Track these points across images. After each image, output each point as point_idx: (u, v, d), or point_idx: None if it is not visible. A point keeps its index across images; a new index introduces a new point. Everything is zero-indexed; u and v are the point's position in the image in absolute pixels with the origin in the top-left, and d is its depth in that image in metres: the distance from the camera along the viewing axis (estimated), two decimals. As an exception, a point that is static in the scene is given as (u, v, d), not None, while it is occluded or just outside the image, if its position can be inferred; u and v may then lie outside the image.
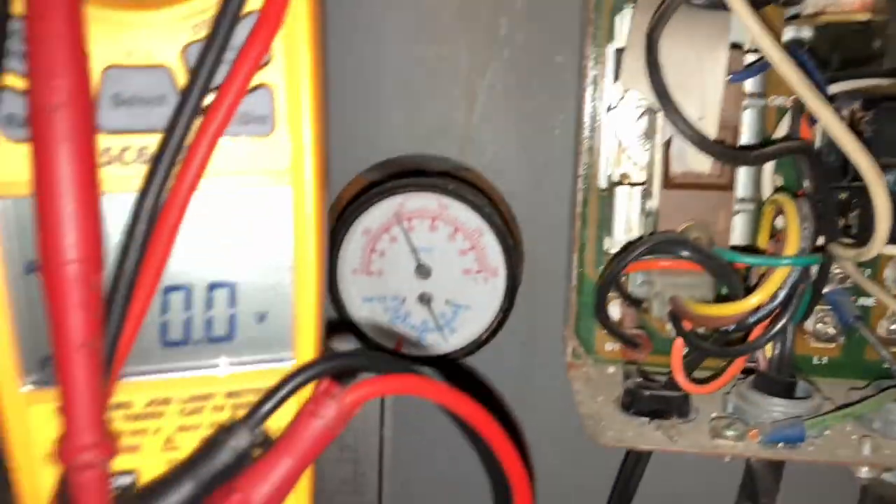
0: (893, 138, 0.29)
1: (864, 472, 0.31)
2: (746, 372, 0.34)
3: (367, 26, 0.43)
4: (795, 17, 0.32)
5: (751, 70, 0.30)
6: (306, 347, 0.23)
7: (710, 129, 0.28)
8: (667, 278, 0.32)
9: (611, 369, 0.37)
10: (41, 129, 0.18)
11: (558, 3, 0.40)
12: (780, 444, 0.31)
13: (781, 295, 0.29)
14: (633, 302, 0.35)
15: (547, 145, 0.41)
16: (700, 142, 0.26)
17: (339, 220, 0.43)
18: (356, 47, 0.43)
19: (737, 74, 0.29)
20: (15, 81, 0.20)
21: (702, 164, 0.29)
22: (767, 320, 0.30)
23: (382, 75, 0.43)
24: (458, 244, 0.43)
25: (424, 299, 0.44)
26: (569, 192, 0.40)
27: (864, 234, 0.29)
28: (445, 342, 0.44)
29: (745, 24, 0.27)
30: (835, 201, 0.30)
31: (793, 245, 0.29)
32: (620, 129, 0.33)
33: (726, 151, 0.28)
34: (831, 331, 0.35)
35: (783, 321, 0.30)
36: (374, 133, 0.44)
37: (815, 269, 0.31)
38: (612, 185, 0.34)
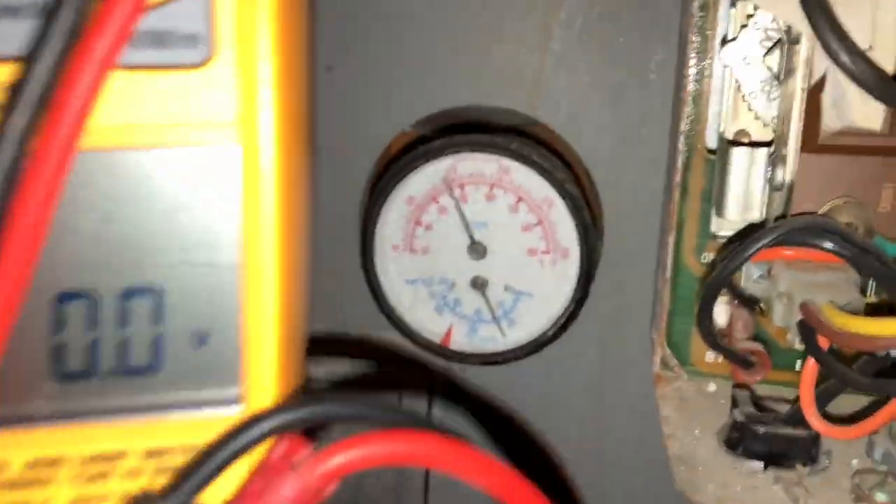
0: None
1: None
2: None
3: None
4: None
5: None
6: (262, 385, 0.16)
7: (885, 65, 0.19)
8: (797, 275, 0.24)
9: (712, 387, 0.29)
10: None
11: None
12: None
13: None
14: (745, 302, 0.27)
15: (639, 94, 0.35)
16: (870, 81, 0.17)
17: (377, 187, 0.39)
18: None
19: None
20: None
21: (869, 117, 0.20)
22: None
23: (434, 7, 0.37)
24: (522, 217, 0.37)
25: (478, 284, 0.38)
26: (666, 154, 0.33)
27: None
28: (503, 337, 0.39)
29: None
30: None
31: None
32: (741, 70, 0.24)
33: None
34: None
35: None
36: (424, 79, 0.38)
37: None
38: (727, 144, 0.25)
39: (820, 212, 0.23)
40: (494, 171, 0.36)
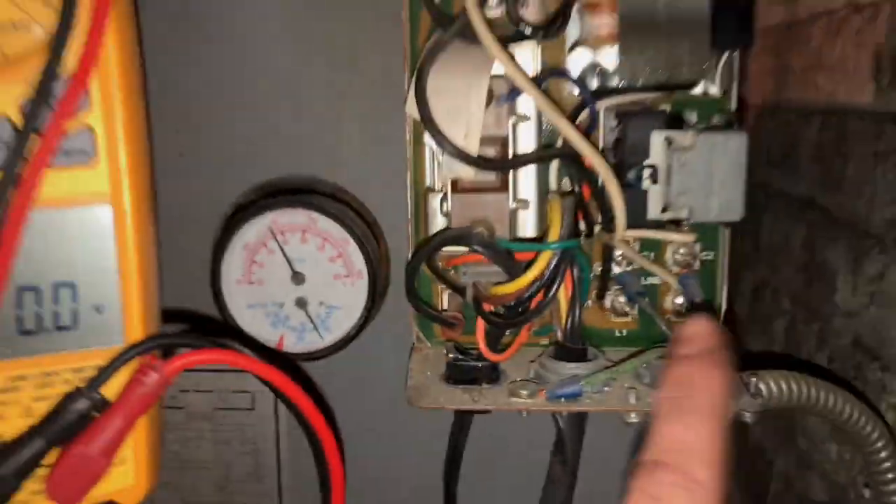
0: (635, 140, 0.37)
1: (632, 417, 0.38)
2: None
3: (251, 68, 0.49)
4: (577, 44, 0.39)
5: (512, 94, 0.37)
6: (135, 332, 0.30)
7: (473, 145, 0.35)
8: (473, 268, 0.39)
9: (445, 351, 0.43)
10: None
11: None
12: (563, 399, 0.37)
13: (548, 273, 0.36)
14: (456, 290, 0.41)
15: (396, 161, 0.46)
16: (458, 155, 0.33)
17: (221, 237, 0.49)
18: (237, 90, 0.50)
19: (502, 98, 0.37)
20: None
21: (466, 171, 0.36)
22: (540, 294, 0.37)
23: (260, 109, 0.51)
24: (328, 253, 0.50)
25: (301, 303, 0.50)
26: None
27: (611, 223, 0.36)
28: (321, 340, 0.51)
29: (498, 59, 0.34)
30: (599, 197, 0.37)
31: (554, 233, 0.36)
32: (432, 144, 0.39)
33: (481, 160, 0.35)
34: (625, 307, 0.42)
35: (552, 293, 0.36)
36: (255, 158, 0.51)
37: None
38: (427, 191, 0.40)
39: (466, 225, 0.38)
40: (305, 220, 0.49)
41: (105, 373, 0.28)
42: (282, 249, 0.50)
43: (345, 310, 0.50)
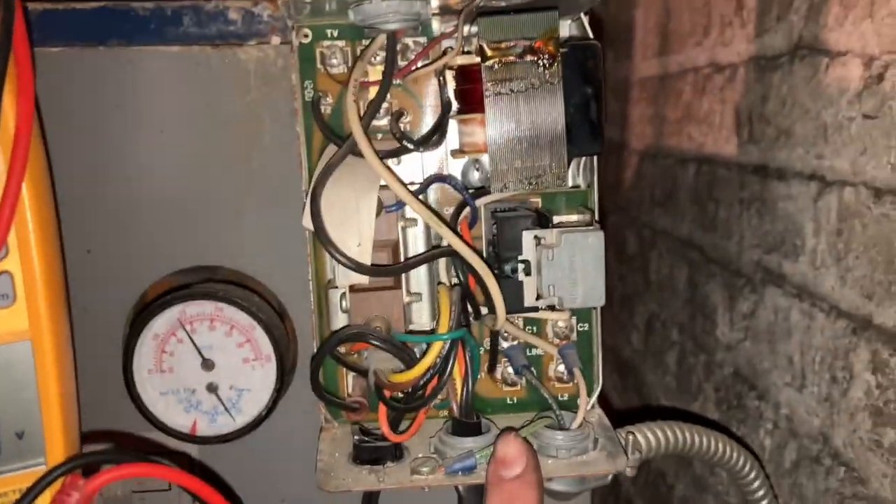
0: (510, 237, 0.41)
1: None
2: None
3: (153, 169, 0.52)
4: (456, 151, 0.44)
5: (399, 203, 0.41)
6: (56, 454, 0.32)
7: (366, 253, 0.39)
8: (374, 353, 0.42)
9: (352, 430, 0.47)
10: None
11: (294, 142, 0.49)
12: (460, 473, 0.41)
13: (440, 361, 0.40)
14: (360, 372, 0.44)
15: (298, 251, 0.49)
16: (352, 266, 0.37)
17: (132, 330, 0.51)
18: (144, 187, 0.53)
19: (390, 207, 0.41)
20: None
21: (360, 279, 0.40)
22: (434, 380, 0.41)
23: (169, 204, 0.54)
24: (235, 338, 0.53)
25: (212, 388, 0.53)
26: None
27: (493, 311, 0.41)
28: (234, 422, 0.54)
29: (382, 176, 0.38)
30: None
31: (444, 324, 0.40)
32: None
33: (375, 269, 0.39)
34: (514, 377, 0.47)
35: (444, 378, 0.41)
36: (161, 251, 0.54)
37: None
38: (328, 285, 0.44)
39: (365, 322, 0.42)
40: (212, 310, 0.52)
41: (28, 495, 0.31)
42: (191, 338, 0.52)
43: (254, 392, 0.53)
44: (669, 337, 0.75)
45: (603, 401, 0.48)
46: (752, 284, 0.57)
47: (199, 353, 0.53)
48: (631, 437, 0.46)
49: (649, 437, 0.47)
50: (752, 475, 0.50)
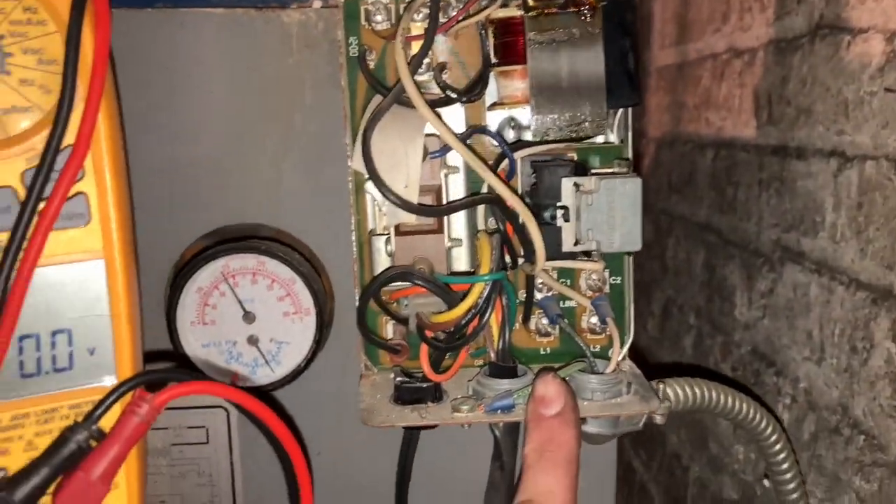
0: (548, 185, 0.43)
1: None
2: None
3: (196, 129, 0.54)
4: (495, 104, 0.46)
5: (442, 150, 0.43)
6: (125, 370, 0.34)
7: (413, 194, 0.40)
8: (414, 300, 0.44)
9: (392, 375, 0.48)
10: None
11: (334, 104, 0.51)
12: (499, 411, 0.43)
13: (481, 301, 0.42)
14: (400, 321, 0.46)
15: (337, 208, 0.51)
16: (400, 203, 0.39)
17: (175, 282, 0.53)
18: (187, 148, 0.55)
19: (434, 153, 0.42)
20: None
21: (407, 217, 0.41)
22: (475, 320, 0.42)
23: (211, 164, 0.56)
24: (276, 292, 0.55)
25: (252, 340, 0.55)
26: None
27: (532, 256, 0.42)
28: (273, 373, 0.56)
29: (429, 121, 0.40)
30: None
31: (484, 266, 0.42)
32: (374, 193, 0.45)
33: (421, 208, 0.41)
34: (548, 328, 0.48)
35: (485, 319, 0.42)
36: (204, 209, 0.56)
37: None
38: (370, 234, 0.46)
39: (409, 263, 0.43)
40: (254, 264, 0.54)
41: (101, 406, 0.32)
42: (233, 292, 0.54)
43: (294, 344, 0.55)
44: (686, 321, 0.76)
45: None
46: (771, 263, 0.58)
47: (241, 305, 0.54)
48: (661, 385, 0.48)
49: (678, 390, 0.49)
50: (774, 437, 0.51)
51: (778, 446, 0.51)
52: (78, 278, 0.33)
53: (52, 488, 0.31)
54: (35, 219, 0.31)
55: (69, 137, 0.31)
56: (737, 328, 0.63)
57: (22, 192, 0.31)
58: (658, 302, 0.87)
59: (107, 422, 0.32)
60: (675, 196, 0.81)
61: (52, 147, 0.31)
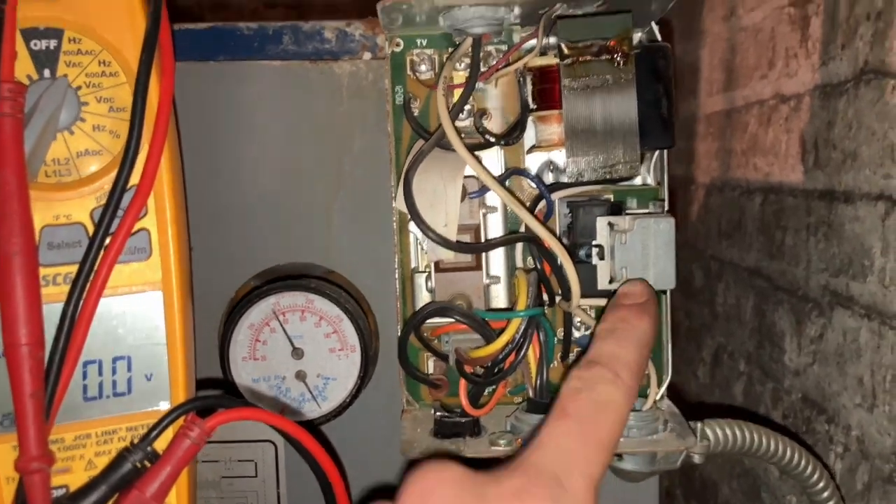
0: (584, 224, 0.44)
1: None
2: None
3: (253, 173, 0.57)
4: (533, 147, 0.48)
5: (481, 191, 0.45)
6: (178, 395, 0.36)
7: (451, 232, 0.42)
8: (454, 336, 0.46)
9: (432, 410, 0.50)
10: (4, 267, 0.31)
11: (381, 149, 0.54)
12: (535, 445, 0.44)
13: (518, 336, 0.43)
14: (440, 357, 0.48)
15: (383, 247, 0.53)
16: (440, 241, 0.41)
17: (229, 319, 0.55)
18: (244, 190, 0.57)
19: (473, 193, 0.44)
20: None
21: (446, 254, 0.43)
22: (512, 355, 0.44)
23: (265, 206, 0.58)
24: (324, 329, 0.56)
25: (300, 376, 0.57)
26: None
27: (568, 293, 0.43)
28: (319, 408, 0.57)
29: (469, 163, 0.42)
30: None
31: (521, 302, 0.43)
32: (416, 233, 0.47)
33: (459, 245, 0.43)
34: (586, 366, 0.49)
35: (522, 353, 0.43)
36: (257, 249, 0.59)
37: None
38: (412, 272, 0.47)
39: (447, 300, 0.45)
40: (303, 302, 0.56)
41: (156, 429, 0.34)
42: (283, 328, 0.56)
43: (340, 380, 0.56)
44: (737, 367, 0.76)
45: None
46: (820, 308, 0.57)
47: (290, 342, 0.56)
48: (700, 425, 0.48)
49: (717, 430, 0.49)
50: (822, 484, 0.51)
51: (826, 494, 0.51)
52: (138, 308, 0.35)
53: (109, 505, 0.34)
54: (102, 253, 0.34)
55: (134, 178, 0.34)
56: (787, 375, 0.62)
57: (91, 228, 0.34)
58: (708, 348, 0.86)
59: (161, 444, 0.35)
60: (724, 241, 0.82)
61: (119, 187, 0.34)
